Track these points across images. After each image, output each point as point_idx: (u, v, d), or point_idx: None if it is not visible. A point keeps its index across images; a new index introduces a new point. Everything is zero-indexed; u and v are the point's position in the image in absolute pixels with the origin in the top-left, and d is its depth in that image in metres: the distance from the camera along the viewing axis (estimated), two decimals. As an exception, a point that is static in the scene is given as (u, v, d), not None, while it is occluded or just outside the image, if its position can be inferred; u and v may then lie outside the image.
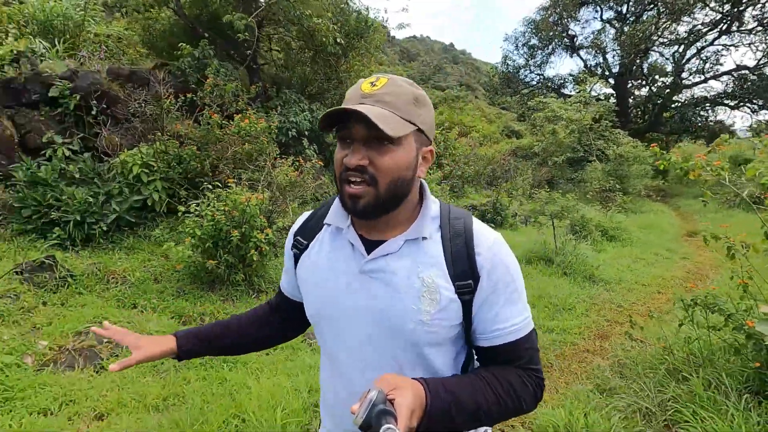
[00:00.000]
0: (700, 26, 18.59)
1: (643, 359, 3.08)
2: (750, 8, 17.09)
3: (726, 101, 19.43)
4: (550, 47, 21.96)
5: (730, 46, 18.91)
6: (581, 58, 22.09)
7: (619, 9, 20.58)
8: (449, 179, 10.36)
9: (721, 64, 19.55)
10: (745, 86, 18.44)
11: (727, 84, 19.45)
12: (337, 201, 0.91)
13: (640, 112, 22.00)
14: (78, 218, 4.58)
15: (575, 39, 21.79)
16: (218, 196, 4.38)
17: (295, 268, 0.98)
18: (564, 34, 21.56)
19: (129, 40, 9.38)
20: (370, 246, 0.86)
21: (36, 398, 2.46)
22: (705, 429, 2.21)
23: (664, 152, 3.09)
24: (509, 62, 22.92)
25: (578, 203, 7.82)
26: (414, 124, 0.80)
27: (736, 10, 17.21)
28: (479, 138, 16.55)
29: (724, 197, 10.14)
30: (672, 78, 19.81)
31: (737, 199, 2.94)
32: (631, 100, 21.63)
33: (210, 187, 4.59)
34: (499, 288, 0.83)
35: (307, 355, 3.15)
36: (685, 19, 18.39)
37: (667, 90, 19.96)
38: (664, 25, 18.81)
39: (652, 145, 3.56)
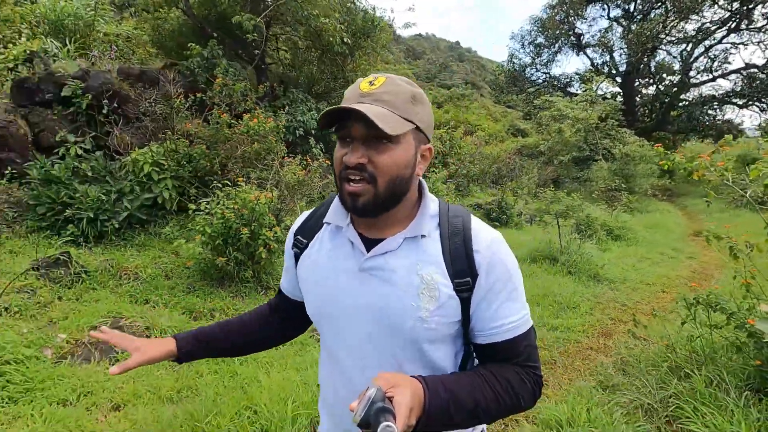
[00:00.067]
0: (708, 24, 18.45)
1: (645, 357, 3.12)
2: (759, 6, 16.93)
3: (734, 100, 19.27)
4: (557, 45, 21.87)
5: (738, 44, 18.75)
6: (588, 57, 22.00)
7: (627, 7, 20.46)
8: (454, 178, 10.40)
9: (729, 63, 19.36)
10: (753, 85, 18.27)
11: (735, 83, 19.29)
12: (336, 199, 0.91)
13: (647, 111, 21.87)
14: (91, 215, 4.69)
15: (582, 37, 21.70)
16: (228, 195, 4.45)
17: (296, 267, 0.99)
18: (570, 33, 21.47)
19: (138, 40, 9.49)
20: (370, 244, 0.87)
21: (55, 389, 2.55)
22: (705, 425, 2.26)
23: (668, 152, 3.12)
24: (515, 60, 22.86)
25: (583, 202, 7.83)
26: (412, 123, 0.81)
27: (745, 8, 17.06)
28: (485, 137, 16.56)
29: (730, 197, 10.11)
30: (680, 76, 19.66)
31: (743, 199, 2.96)
32: (638, 99, 21.51)
33: (220, 185, 4.67)
34: (497, 286, 0.83)
35: (316, 350, 3.22)
36: (694, 17, 18.25)
37: (675, 89, 19.81)
38: (672, 23, 18.67)
39: (656, 145, 3.59)
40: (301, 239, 0.97)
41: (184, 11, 7.69)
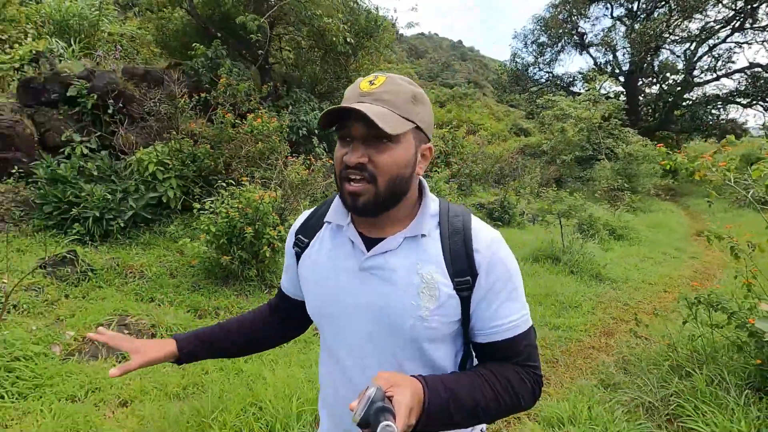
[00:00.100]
0: (712, 23, 18.38)
1: (647, 356, 3.14)
2: (764, 5, 16.86)
3: (738, 99, 19.20)
4: (560, 45, 21.85)
5: (743, 43, 18.68)
6: (591, 56, 21.96)
7: (630, 6, 20.41)
8: (457, 177, 10.41)
9: (733, 62, 19.26)
10: (757, 84, 18.19)
11: (739, 82, 19.22)
12: (337, 199, 0.91)
13: (650, 110, 21.82)
14: (97, 214, 4.73)
15: (585, 36, 21.66)
16: (232, 194, 4.49)
17: (297, 266, 0.99)
18: (574, 32, 21.43)
19: (142, 40, 9.55)
20: (370, 243, 0.87)
21: (63, 385, 2.59)
22: (706, 423, 2.28)
23: (670, 152, 3.14)
24: (518, 60, 22.84)
25: (586, 202, 7.84)
26: (413, 122, 0.81)
27: (749, 7, 17.00)
28: (487, 136, 16.56)
29: (733, 197, 10.09)
30: (683, 76, 19.61)
31: (747, 199, 2.97)
32: (641, 98, 21.45)
33: (224, 185, 4.71)
34: (497, 285, 0.84)
35: (319, 348, 3.26)
36: (697, 16, 18.19)
37: (678, 88, 19.76)
38: (675, 23, 18.62)
39: (658, 144, 3.60)
40: (302, 238, 0.98)
41: (188, 11, 7.73)
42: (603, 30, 21.47)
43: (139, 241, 5.03)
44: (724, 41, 18.79)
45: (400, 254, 0.84)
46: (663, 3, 18.95)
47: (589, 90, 16.77)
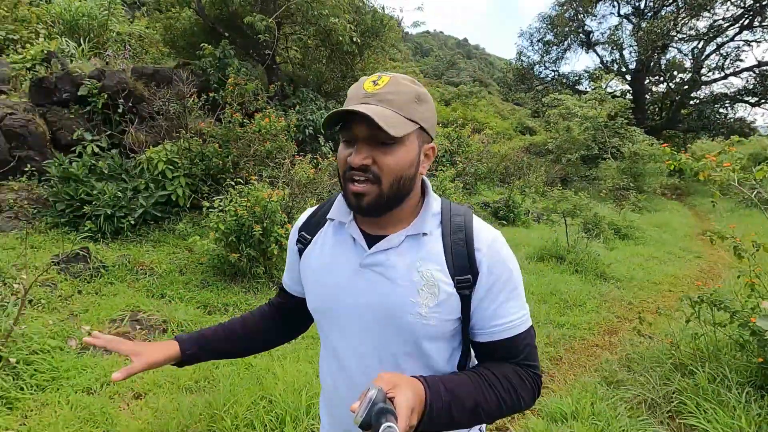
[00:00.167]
0: (720, 21, 18.25)
1: (650, 354, 3.17)
2: (773, 3, 16.72)
3: (746, 98, 19.06)
4: (566, 43, 21.77)
5: (751, 41, 18.53)
6: (597, 54, 21.89)
7: (637, 4, 20.30)
8: (462, 176, 10.45)
9: (741, 60, 19.17)
10: (766, 83, 18.04)
11: (747, 80, 19.08)
12: (340, 196, 0.92)
13: (657, 109, 21.71)
14: (108, 212, 4.82)
15: (591, 35, 21.57)
16: (240, 192, 4.56)
17: (299, 263, 1.00)
18: (580, 30, 21.35)
19: (150, 39, 9.65)
20: (372, 240, 0.87)
21: (79, 378, 2.67)
22: (707, 420, 2.32)
23: (675, 153, 3.16)
24: (524, 58, 22.79)
25: (591, 201, 7.86)
26: (416, 123, 0.81)
27: (758, 4, 16.86)
28: (492, 135, 16.55)
29: (740, 196, 10.05)
30: (691, 74, 19.48)
31: (756, 199, 2.99)
32: (648, 97, 21.34)
33: (233, 183, 4.78)
34: (498, 285, 0.84)
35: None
36: (705, 14, 18.07)
37: (686, 86, 19.64)
38: (683, 21, 18.49)
39: (663, 144, 3.62)
40: (305, 235, 0.98)
41: (196, 11, 7.81)
42: (609, 28, 21.35)
43: (149, 238, 5.12)
44: (732, 39, 18.66)
45: (401, 252, 0.85)
46: (670, 1, 18.82)
47: (595, 89, 16.70)
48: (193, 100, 5.94)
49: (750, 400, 2.38)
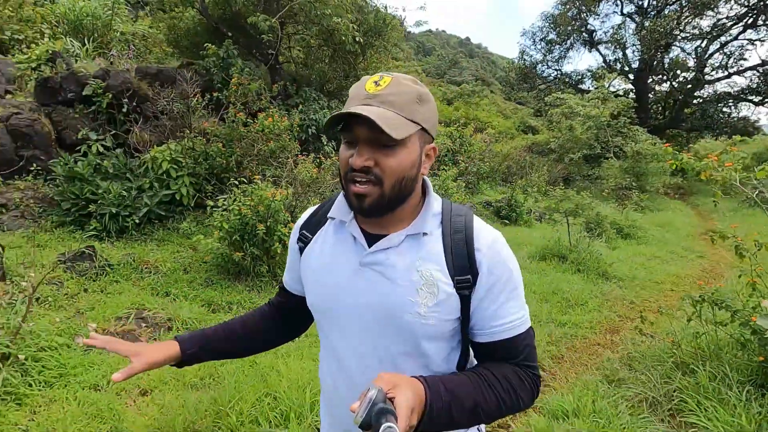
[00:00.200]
0: (724, 20, 18.20)
1: (651, 353, 3.19)
2: (777, 1, 16.65)
3: (750, 97, 19.00)
4: (569, 42, 21.74)
5: (755, 40, 18.51)
6: (600, 53, 21.84)
7: (640, 3, 20.25)
8: (464, 176, 10.46)
9: (745, 59, 19.04)
10: (770, 82, 18.00)
11: (751, 79, 19.02)
12: (341, 195, 0.92)
13: (660, 108, 21.66)
14: (113, 211, 4.87)
15: (594, 34, 21.53)
16: (244, 192, 4.59)
17: (300, 262, 1.00)
18: (583, 29, 21.31)
19: (154, 39, 9.70)
20: (372, 239, 0.87)
21: (87, 375, 2.71)
22: (708, 418, 2.34)
23: (676, 152, 3.17)
24: (526, 57, 22.77)
25: (593, 201, 7.86)
26: (418, 124, 0.81)
27: (762, 3, 16.80)
28: (495, 134, 16.54)
29: (743, 196, 10.03)
30: (694, 73, 19.43)
31: (758, 199, 3.01)
32: (651, 96, 21.30)
33: (236, 183, 4.82)
34: (498, 285, 0.84)
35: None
36: (709, 13, 18.02)
37: (689, 85, 19.58)
38: (686, 20, 18.45)
39: (665, 144, 3.63)
40: (306, 234, 0.99)
41: (199, 11, 7.84)
42: (612, 27, 21.31)
43: (154, 237, 5.16)
44: (736, 38, 18.62)
45: (400, 251, 0.85)
46: (674, 0, 18.77)
47: (597, 88, 16.69)
48: (196, 100, 5.98)
49: (750, 398, 2.39)
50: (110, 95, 5.83)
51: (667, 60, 20.18)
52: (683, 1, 18.08)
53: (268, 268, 4.57)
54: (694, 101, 19.99)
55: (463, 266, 0.83)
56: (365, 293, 0.85)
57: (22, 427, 2.26)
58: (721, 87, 19.92)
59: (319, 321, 0.97)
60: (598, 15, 21.15)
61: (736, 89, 19.40)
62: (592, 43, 21.56)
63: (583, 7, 20.47)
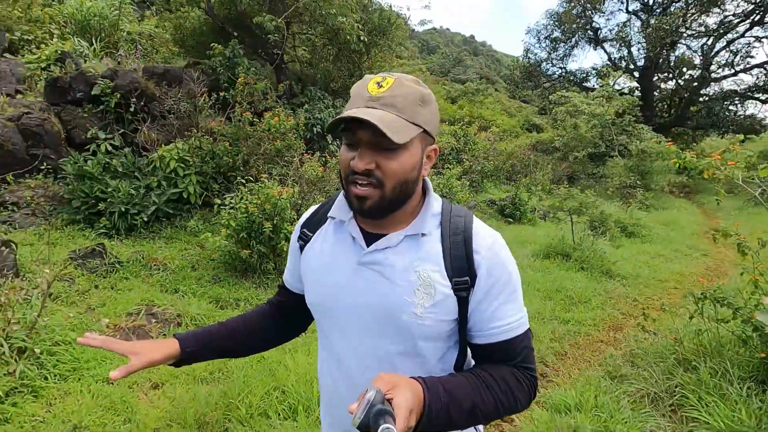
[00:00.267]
0: (731, 17, 18.06)
1: (654, 349, 3.22)
2: (785, -2, 16.52)
3: (757, 95, 18.86)
4: (573, 40, 21.65)
5: (762, 38, 18.30)
6: (605, 51, 21.73)
7: (646, 0, 20.13)
8: (468, 174, 10.49)
9: (752, 57, 18.88)
10: (777, 80, 17.86)
11: (758, 77, 18.86)
12: (341, 194, 0.93)
13: (666, 106, 21.53)
14: (122, 209, 4.94)
15: (599, 32, 21.42)
16: (251, 190, 4.66)
17: (300, 260, 1.01)
18: (588, 27, 21.22)
19: (160, 39, 9.78)
20: (371, 239, 0.88)
21: (100, 369, 2.78)
22: (709, 413, 2.37)
23: (680, 151, 3.20)
24: (531, 55, 22.70)
25: (597, 199, 7.88)
26: (420, 126, 0.81)
27: (769, 0, 16.67)
28: (499, 132, 16.54)
29: (749, 195, 10.00)
30: (700, 71, 19.30)
31: (763, 197, 3.03)
32: (656, 94, 21.17)
33: (243, 181, 4.88)
34: (496, 287, 0.85)
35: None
36: (715, 10, 17.90)
37: (695, 83, 19.46)
38: (692, 17, 18.33)
39: (668, 143, 3.65)
40: (307, 232, 0.99)
41: (205, 11, 7.91)
42: (618, 25, 21.21)
43: (162, 235, 5.24)
44: (742, 36, 18.46)
45: (399, 251, 0.86)
46: (680, -3, 18.67)
47: (602, 86, 16.64)
48: (203, 100, 6.04)
49: (751, 394, 2.43)
50: (118, 95, 5.90)
51: (673, 58, 20.05)
52: (689, -2, 17.98)
53: (275, 266, 4.63)
54: (700, 99, 19.85)
55: (461, 267, 0.84)
56: (364, 293, 0.86)
57: (39, 418, 2.33)
58: (728, 85, 19.80)
59: (318, 321, 0.98)
60: (603, 13, 21.06)
61: (742, 87, 19.26)
62: (597, 41, 21.46)
63: (588, 5, 20.37)
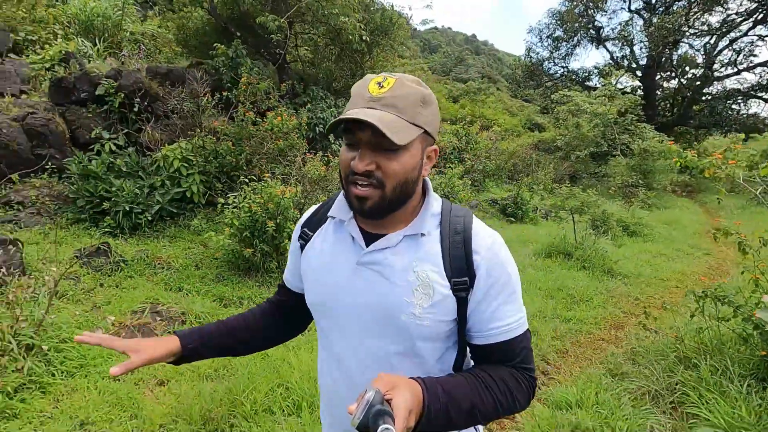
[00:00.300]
0: (734, 16, 18.00)
1: (655, 347, 3.24)
2: (788, -3, 16.45)
3: (760, 94, 18.80)
4: (575, 39, 21.63)
5: (765, 36, 18.25)
6: (607, 50, 21.70)
7: (648, -1, 20.10)
8: (470, 173, 10.50)
9: (755, 56, 18.90)
10: (780, 79, 17.79)
11: (761, 76, 18.78)
12: (341, 194, 0.93)
13: (668, 105, 21.49)
14: (126, 208, 4.98)
15: (601, 30, 21.39)
16: (254, 189, 4.69)
17: (300, 259, 1.01)
18: (590, 26, 21.18)
19: (163, 39, 9.83)
20: (371, 239, 0.88)
21: (105, 366, 2.81)
22: (709, 409, 2.39)
23: (681, 150, 3.21)
24: (533, 54, 22.69)
25: (599, 198, 7.88)
26: (420, 127, 0.81)
27: (772, -2, 16.61)
28: (501, 132, 16.55)
29: (752, 193, 9.98)
30: (703, 70, 19.25)
31: (762, 197, 3.05)
32: (659, 93, 21.13)
33: (246, 180, 4.91)
34: (495, 287, 0.85)
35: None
36: (718, 8, 17.83)
37: (698, 82, 19.41)
38: (695, 16, 18.28)
39: (670, 142, 3.67)
40: (307, 231, 1.00)
41: (208, 11, 7.94)
42: (620, 24, 21.16)
43: (166, 234, 5.27)
44: (745, 34, 18.40)
45: (398, 251, 0.86)
46: (682, -5, 18.61)
47: (605, 85, 16.61)
48: (206, 99, 6.08)
49: (751, 391, 2.44)
50: (122, 95, 5.94)
51: (676, 56, 20.00)
52: (692, -3, 17.92)
53: (278, 264, 4.66)
54: (703, 98, 19.80)
55: (460, 268, 0.84)
56: (364, 293, 0.86)
57: (47, 414, 2.37)
58: (731, 84, 19.76)
59: (318, 321, 0.98)
60: (606, 11, 21.01)
61: (745, 86, 19.20)
62: (599, 40, 21.43)
63: (590, 4, 20.34)
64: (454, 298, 0.83)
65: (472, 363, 0.95)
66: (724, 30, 18.28)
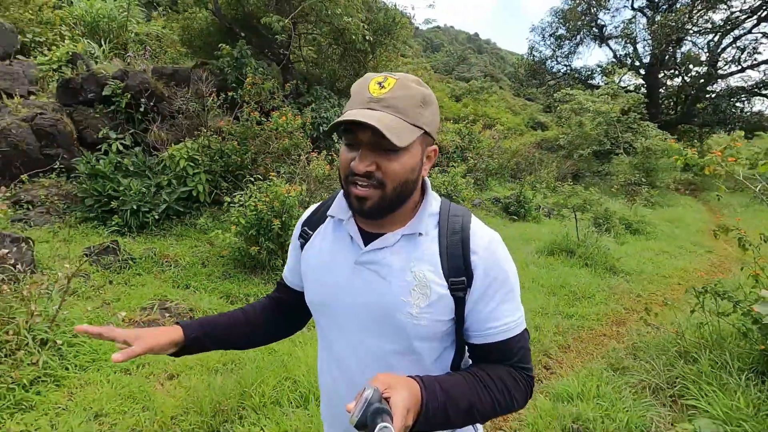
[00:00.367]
0: (737, 13, 17.96)
1: (656, 342, 3.29)
2: (792, -6, 16.39)
3: (764, 92, 18.74)
4: (578, 37, 21.60)
5: (769, 34, 18.20)
6: (610, 49, 21.68)
7: (651, -3, 20.05)
8: (473, 172, 10.55)
9: (759, 53, 18.89)
10: (784, 76, 17.73)
11: (765, 74, 18.74)
12: (341, 194, 0.93)
13: (672, 104, 21.45)
14: (134, 207, 5.06)
15: (604, 29, 21.37)
16: (260, 188, 4.75)
17: (300, 257, 1.02)
18: (593, 24, 21.16)
19: (168, 39, 9.91)
20: (369, 238, 0.88)
21: (117, 360, 2.88)
22: (708, 402, 2.44)
23: (682, 148, 3.25)
24: (535, 53, 22.67)
25: (602, 196, 7.92)
26: (420, 128, 0.81)
27: (776, -4, 16.55)
28: (504, 130, 16.57)
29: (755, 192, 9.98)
30: (706, 68, 19.19)
31: (759, 194, 3.09)
32: (662, 91, 21.09)
33: (252, 179, 4.98)
34: (493, 287, 0.85)
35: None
36: (721, 6, 17.79)
37: (701, 80, 19.36)
38: (698, 13, 18.23)
39: (672, 140, 3.71)
40: (307, 230, 1.00)
41: (213, 12, 8.01)
42: (623, 22, 21.09)
43: (173, 232, 5.35)
44: (749, 32, 18.34)
45: (395, 251, 0.86)
46: (686, -7, 18.57)
47: (607, 83, 16.62)
48: (212, 99, 6.15)
49: (750, 384, 2.49)
50: (129, 95, 6.02)
51: (679, 54, 19.95)
52: (695, -5, 17.88)
53: (283, 262, 4.72)
54: (707, 96, 19.75)
55: (458, 267, 0.84)
56: (363, 292, 0.87)
57: (62, 406, 2.44)
58: (734, 81, 19.77)
59: (318, 319, 0.98)
60: (608, 10, 20.99)
61: (749, 84, 19.15)
62: (602, 38, 21.40)
63: (593, 2, 20.32)
64: (451, 297, 0.84)
65: (470, 362, 0.96)
66: (728, 27, 18.23)
